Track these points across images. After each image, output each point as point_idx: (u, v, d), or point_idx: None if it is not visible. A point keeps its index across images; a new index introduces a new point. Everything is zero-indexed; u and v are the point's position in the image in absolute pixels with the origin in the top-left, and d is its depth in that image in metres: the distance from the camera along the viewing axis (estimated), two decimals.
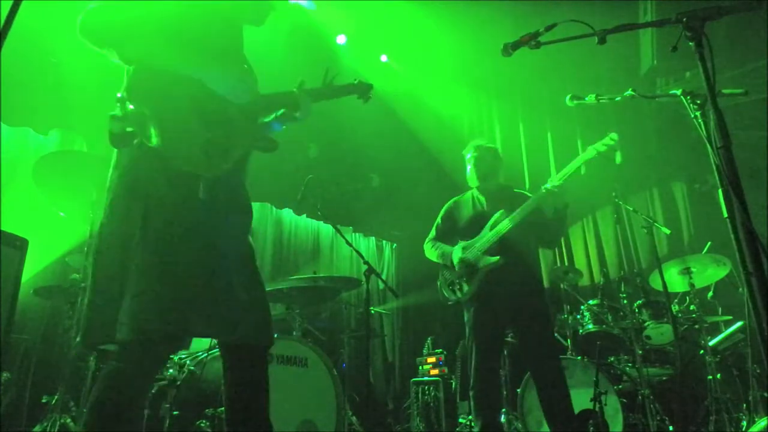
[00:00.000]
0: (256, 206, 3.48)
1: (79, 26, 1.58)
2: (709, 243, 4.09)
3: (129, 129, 1.51)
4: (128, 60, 1.62)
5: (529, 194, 3.30)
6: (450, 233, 3.40)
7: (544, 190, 3.05)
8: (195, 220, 1.58)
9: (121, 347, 1.52)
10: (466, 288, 3.11)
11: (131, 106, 1.50)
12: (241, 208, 1.77)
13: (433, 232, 3.46)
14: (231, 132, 1.64)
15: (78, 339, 1.58)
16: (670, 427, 3.45)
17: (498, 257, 3.03)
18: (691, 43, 1.52)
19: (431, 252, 3.39)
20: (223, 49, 1.76)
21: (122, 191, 1.60)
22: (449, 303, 3.26)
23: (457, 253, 3.16)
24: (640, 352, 3.66)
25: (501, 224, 3.09)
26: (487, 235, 3.11)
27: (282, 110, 1.87)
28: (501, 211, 3.14)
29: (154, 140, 1.49)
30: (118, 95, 1.52)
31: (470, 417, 4.31)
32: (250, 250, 1.77)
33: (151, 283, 1.49)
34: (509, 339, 4.21)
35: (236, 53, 1.86)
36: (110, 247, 1.58)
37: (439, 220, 3.47)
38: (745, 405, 3.53)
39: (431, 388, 4.89)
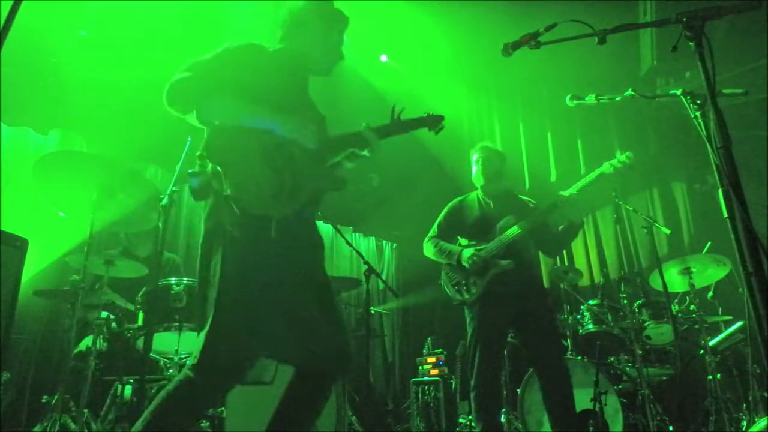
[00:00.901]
0: None
1: (165, 95, 1.74)
2: (709, 243, 4.09)
3: (207, 183, 1.69)
4: (205, 122, 1.76)
5: (533, 201, 3.33)
6: (452, 232, 3.39)
7: (558, 200, 3.08)
8: (268, 258, 1.71)
9: (189, 369, 1.67)
10: (473, 289, 3.11)
11: (209, 162, 1.67)
12: (313, 242, 1.90)
13: (434, 230, 3.44)
14: (298, 175, 1.77)
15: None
16: (670, 427, 3.45)
17: (509, 261, 3.05)
18: (691, 43, 1.52)
19: (431, 250, 3.37)
20: (289, 100, 1.88)
21: (205, 237, 1.78)
22: (454, 303, 3.26)
23: (467, 252, 3.15)
24: (640, 352, 3.66)
25: (510, 230, 3.12)
26: (497, 239, 3.13)
27: (351, 149, 2.02)
28: (509, 216, 3.17)
29: (228, 189, 1.64)
30: (197, 153, 1.69)
31: (470, 417, 4.31)
32: (325, 281, 1.87)
33: (223, 317, 1.64)
34: (509, 339, 4.21)
35: (301, 101, 1.98)
36: (199, 286, 1.77)
37: (441, 218, 3.46)
38: (745, 405, 3.53)
39: (431, 388, 4.89)
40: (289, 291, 1.71)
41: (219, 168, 1.66)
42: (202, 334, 1.65)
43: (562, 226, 3.21)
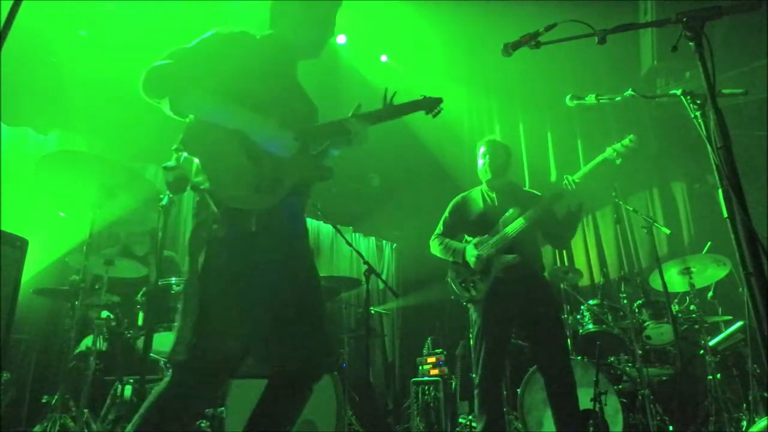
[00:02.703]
0: None
1: (141, 82, 1.68)
2: (709, 243, 4.09)
3: (181, 176, 1.64)
4: (179, 114, 1.71)
5: (538, 192, 3.30)
6: (457, 228, 3.37)
7: (561, 187, 3.05)
8: (248, 254, 1.67)
9: (173, 368, 1.67)
10: (481, 286, 3.09)
11: (185, 155, 1.63)
12: (297, 237, 1.82)
13: (440, 228, 3.42)
14: (279, 166, 1.72)
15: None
16: (670, 427, 3.45)
17: (515, 255, 3.03)
18: (691, 43, 1.52)
19: (437, 248, 3.35)
20: (272, 92, 1.82)
21: (192, 234, 1.74)
22: (462, 302, 3.24)
23: (471, 250, 3.13)
24: (640, 352, 3.66)
25: (515, 222, 3.08)
26: (501, 233, 3.10)
27: (336, 137, 1.92)
28: (513, 209, 3.14)
29: (206, 184, 1.61)
30: (174, 146, 1.65)
31: (470, 417, 4.32)
32: (310, 280, 1.80)
33: (205, 314, 1.63)
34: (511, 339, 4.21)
35: (288, 91, 1.90)
36: (186, 284, 1.73)
37: (446, 214, 3.44)
38: (745, 405, 3.53)
39: (431, 388, 4.89)
40: (270, 288, 1.67)
41: (196, 161, 1.63)
42: (186, 330, 1.63)
43: (563, 214, 3.16)
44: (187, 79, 1.67)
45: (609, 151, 3.00)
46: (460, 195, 3.46)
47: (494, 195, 3.30)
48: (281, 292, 1.68)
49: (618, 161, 2.97)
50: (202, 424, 2.87)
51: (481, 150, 3.37)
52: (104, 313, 3.32)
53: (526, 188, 3.43)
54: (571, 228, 3.21)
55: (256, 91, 1.76)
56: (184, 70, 1.68)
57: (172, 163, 1.62)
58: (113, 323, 3.36)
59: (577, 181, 3.01)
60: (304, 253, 1.83)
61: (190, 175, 1.64)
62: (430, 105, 2.15)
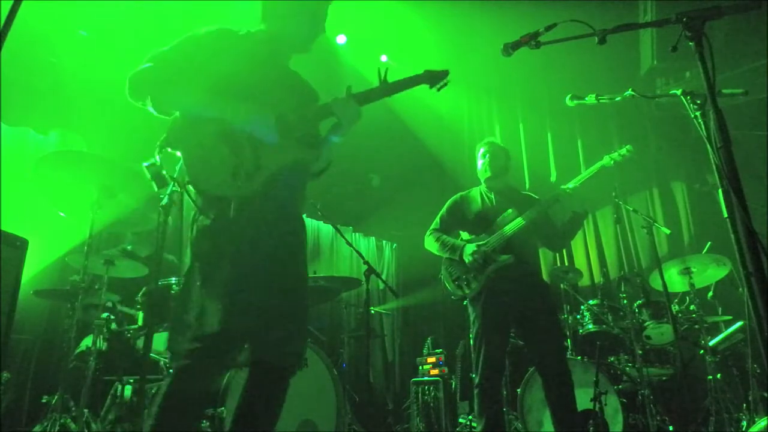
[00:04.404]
0: None
1: (127, 88, 1.74)
2: (709, 243, 4.09)
3: (159, 171, 1.69)
4: (162, 112, 1.76)
5: (536, 196, 3.34)
6: (454, 226, 3.39)
7: (562, 192, 3.10)
8: (228, 240, 1.68)
9: (176, 357, 1.68)
10: (474, 284, 3.11)
11: (168, 150, 1.68)
12: (283, 221, 1.81)
13: (436, 223, 3.42)
14: (260, 153, 1.72)
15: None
16: (670, 427, 3.45)
17: (509, 255, 3.05)
18: (691, 43, 1.52)
19: (433, 243, 3.35)
20: (257, 84, 1.83)
21: (188, 230, 1.79)
22: (453, 298, 3.25)
23: (469, 248, 3.14)
24: (640, 352, 3.66)
25: (513, 222, 3.11)
26: (499, 232, 3.12)
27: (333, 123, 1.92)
28: (511, 209, 3.16)
29: (186, 176, 1.65)
30: (158, 141, 1.70)
31: (470, 417, 4.31)
32: (295, 271, 1.80)
33: (193, 301, 1.65)
34: (510, 339, 4.21)
35: (277, 83, 1.90)
36: (185, 279, 1.76)
37: (444, 212, 3.45)
38: (745, 405, 3.53)
39: (431, 388, 4.88)
40: (252, 276, 1.67)
41: (179, 154, 1.66)
42: (186, 319, 1.65)
43: (566, 218, 3.22)
44: (165, 77, 1.72)
45: (606, 160, 3.15)
46: (458, 194, 3.47)
47: (493, 195, 3.32)
48: (263, 280, 1.68)
49: (620, 164, 3.11)
50: (202, 424, 2.86)
51: (481, 150, 3.39)
52: (105, 314, 3.32)
53: (525, 192, 3.46)
54: (568, 235, 3.29)
55: (237, 83, 1.78)
56: (161, 70, 1.73)
57: (151, 160, 1.69)
58: (113, 323, 3.36)
59: (574, 187, 3.09)
60: (292, 246, 1.81)
61: (171, 169, 1.69)
62: (433, 79, 2.05)
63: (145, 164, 1.69)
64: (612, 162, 3.13)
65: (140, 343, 3.23)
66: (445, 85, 2.08)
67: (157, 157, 1.69)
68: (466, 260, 3.12)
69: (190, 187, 1.71)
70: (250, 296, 1.65)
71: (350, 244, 3.83)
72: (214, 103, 1.73)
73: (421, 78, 2.05)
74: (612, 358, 4.04)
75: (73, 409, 2.99)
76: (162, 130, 1.73)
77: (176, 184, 1.74)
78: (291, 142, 1.80)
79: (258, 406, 1.74)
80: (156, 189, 1.74)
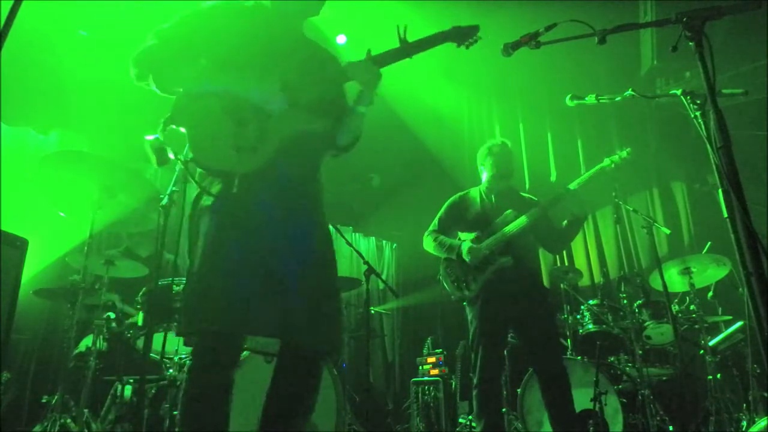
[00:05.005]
0: None
1: (131, 68, 1.72)
2: (709, 243, 4.09)
3: (161, 146, 1.62)
4: (165, 90, 1.73)
5: (535, 198, 3.34)
6: (453, 226, 3.39)
7: (566, 190, 3.12)
8: (232, 217, 1.63)
9: (190, 343, 1.64)
10: (473, 285, 3.11)
11: (172, 127, 1.62)
12: (305, 210, 1.75)
13: (435, 224, 3.42)
14: (266, 124, 1.67)
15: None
16: (670, 427, 3.45)
17: (509, 257, 3.05)
18: (691, 43, 1.52)
19: (431, 244, 3.35)
20: (264, 55, 1.77)
21: (190, 210, 1.74)
22: (453, 298, 3.25)
23: (467, 247, 3.14)
24: (640, 352, 3.66)
25: (515, 222, 3.12)
26: (498, 233, 3.12)
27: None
28: (509, 211, 3.16)
29: (189, 153, 1.61)
30: (162, 118, 1.64)
31: (470, 417, 4.31)
32: (320, 254, 1.73)
33: (202, 284, 1.60)
34: (509, 339, 4.20)
35: (288, 51, 1.84)
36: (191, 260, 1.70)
37: (442, 212, 3.45)
38: (745, 405, 3.53)
39: (431, 388, 4.88)
40: (258, 252, 1.60)
41: (183, 130, 1.60)
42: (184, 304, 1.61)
43: (565, 221, 3.22)
44: (167, 54, 1.69)
45: (606, 162, 3.19)
46: (457, 194, 3.47)
47: (493, 196, 3.32)
48: (271, 257, 1.61)
49: (619, 166, 3.17)
50: None
51: (493, 149, 3.37)
52: (111, 314, 3.32)
53: (524, 193, 3.46)
54: (567, 238, 3.31)
55: (241, 55, 1.73)
56: (163, 47, 1.70)
57: (154, 135, 1.63)
58: (113, 323, 3.36)
59: (575, 188, 3.12)
60: (302, 225, 1.72)
61: (173, 146, 1.62)
62: (461, 36, 1.92)
63: (148, 137, 1.63)
64: (612, 164, 3.15)
65: (140, 343, 3.23)
66: (475, 42, 1.95)
67: (159, 134, 1.63)
68: (466, 259, 3.11)
69: (193, 165, 1.65)
70: (252, 276, 1.58)
71: (350, 244, 3.83)
72: (215, 77, 1.68)
73: (447, 35, 1.92)
74: (612, 358, 4.04)
75: (73, 409, 2.98)
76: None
77: (179, 161, 1.66)
78: (300, 111, 1.73)
79: (286, 397, 1.66)
80: (156, 165, 1.66)
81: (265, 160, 1.64)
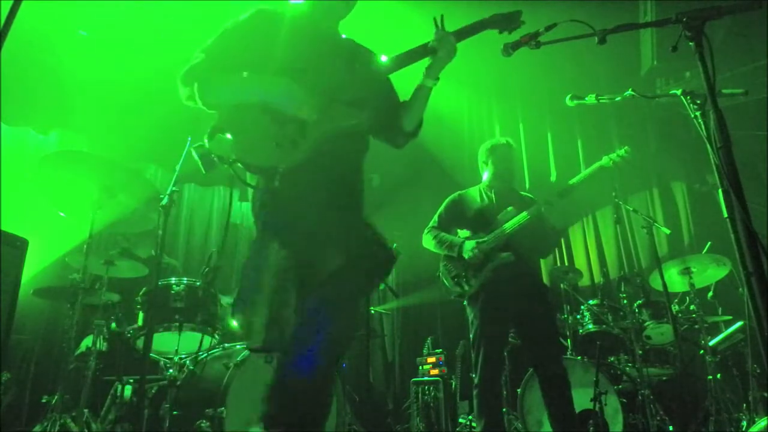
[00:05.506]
0: None
1: (181, 86, 1.76)
2: (709, 243, 4.09)
3: (207, 152, 1.67)
4: (209, 105, 1.75)
5: (534, 197, 3.35)
6: (452, 224, 3.39)
7: (568, 187, 3.15)
8: (274, 212, 1.72)
9: None
10: (473, 282, 3.11)
11: (220, 133, 1.67)
12: (336, 198, 1.77)
13: (435, 221, 3.42)
14: (305, 123, 1.71)
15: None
16: (670, 427, 3.45)
17: (510, 253, 3.06)
18: (691, 43, 1.52)
19: (431, 241, 3.35)
20: (301, 61, 1.81)
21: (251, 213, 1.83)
22: (452, 296, 3.25)
23: (469, 244, 3.15)
24: (640, 352, 3.66)
25: (516, 218, 3.13)
26: (499, 230, 3.13)
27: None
28: (510, 207, 3.17)
29: (233, 154, 1.64)
30: (210, 127, 1.69)
31: (470, 417, 4.31)
32: (363, 250, 1.73)
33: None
34: (510, 339, 4.20)
35: (325, 54, 1.88)
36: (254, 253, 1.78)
37: (442, 209, 3.45)
38: (745, 405, 3.53)
39: (431, 388, 4.88)
40: (298, 251, 1.65)
41: (228, 136, 1.66)
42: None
43: (549, 227, 3.25)
44: (213, 68, 1.73)
45: (605, 160, 3.19)
46: (457, 192, 3.48)
47: (492, 194, 3.33)
48: (307, 253, 1.66)
49: (618, 164, 3.17)
50: (202, 424, 2.86)
51: (500, 147, 3.38)
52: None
53: (524, 193, 3.47)
54: (555, 240, 3.39)
55: (276, 62, 1.77)
56: (208, 62, 1.75)
57: (200, 143, 1.69)
58: (113, 323, 3.36)
59: (576, 184, 3.14)
60: (346, 222, 1.75)
61: (218, 152, 1.67)
62: (506, 22, 1.94)
63: (193, 146, 1.69)
64: (610, 162, 3.15)
65: (140, 343, 3.23)
66: (518, 26, 1.95)
67: (206, 142, 1.69)
68: (466, 256, 3.11)
69: (239, 165, 1.69)
70: (300, 270, 1.64)
71: None
72: (252, 87, 1.73)
73: (488, 22, 1.97)
74: (612, 358, 4.04)
75: (73, 409, 2.98)
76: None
77: (224, 162, 1.70)
78: (338, 108, 1.78)
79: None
80: (204, 171, 1.72)
81: (305, 155, 1.69)
